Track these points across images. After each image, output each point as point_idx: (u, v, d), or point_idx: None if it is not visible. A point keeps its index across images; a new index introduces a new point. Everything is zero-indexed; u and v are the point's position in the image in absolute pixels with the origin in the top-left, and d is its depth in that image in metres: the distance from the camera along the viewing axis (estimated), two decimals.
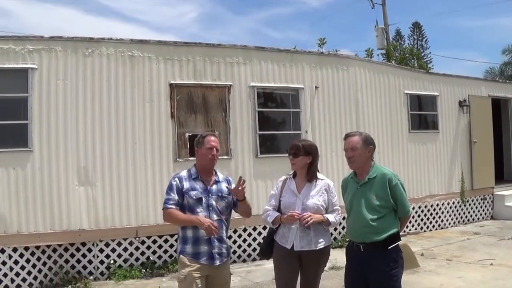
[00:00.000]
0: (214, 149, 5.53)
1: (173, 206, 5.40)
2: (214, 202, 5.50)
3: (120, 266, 10.20)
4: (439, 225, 15.04)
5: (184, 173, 5.59)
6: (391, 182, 5.26)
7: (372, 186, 5.31)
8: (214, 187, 5.58)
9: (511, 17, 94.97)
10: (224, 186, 5.68)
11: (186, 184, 5.46)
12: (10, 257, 9.32)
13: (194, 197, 5.41)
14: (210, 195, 5.50)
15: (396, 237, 5.24)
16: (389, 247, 5.17)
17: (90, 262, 10.03)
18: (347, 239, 5.87)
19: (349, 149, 5.40)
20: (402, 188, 5.33)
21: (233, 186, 5.78)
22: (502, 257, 10.75)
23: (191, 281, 5.25)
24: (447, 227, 15.17)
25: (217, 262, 5.43)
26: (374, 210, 5.21)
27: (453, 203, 15.47)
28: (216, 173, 5.73)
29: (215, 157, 5.56)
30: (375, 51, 23.31)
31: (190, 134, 10.77)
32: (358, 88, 13.32)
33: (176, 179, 5.51)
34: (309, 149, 5.78)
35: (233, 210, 5.80)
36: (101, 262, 10.11)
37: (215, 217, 5.44)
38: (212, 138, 5.62)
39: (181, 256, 5.42)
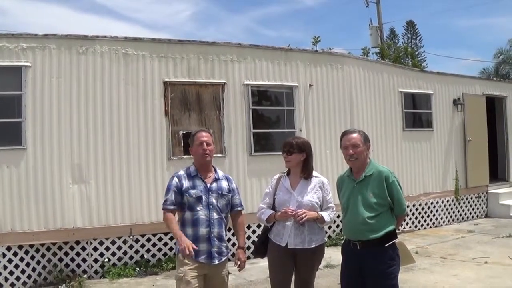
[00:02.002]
0: (205, 144, 5.51)
1: (171, 207, 5.40)
2: (214, 200, 5.48)
3: (114, 265, 10.18)
4: (433, 223, 15.06)
5: (182, 172, 5.57)
6: (388, 180, 5.24)
7: (369, 183, 5.29)
8: (214, 185, 5.56)
9: (505, 16, 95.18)
10: (224, 184, 5.66)
11: (186, 183, 5.44)
12: (4, 255, 9.28)
13: (194, 196, 5.39)
14: (210, 193, 5.49)
15: (392, 234, 5.24)
16: (385, 245, 5.16)
17: (84, 260, 9.99)
18: (342, 237, 5.86)
19: (350, 146, 5.34)
20: (398, 185, 5.31)
21: (234, 185, 5.82)
22: (496, 255, 10.78)
23: (188, 280, 5.22)
24: (441, 225, 15.18)
25: (216, 261, 5.42)
26: (371, 207, 5.20)
27: (448, 201, 15.49)
28: (215, 170, 5.72)
29: (207, 152, 5.53)
30: (370, 50, 23.35)
31: (184, 132, 10.74)
32: (353, 86, 13.31)
33: (175, 178, 5.50)
34: (303, 146, 5.77)
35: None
36: (95, 260, 10.08)
37: (215, 215, 5.45)
38: (203, 133, 5.60)
39: (179, 254, 5.36)
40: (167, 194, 5.46)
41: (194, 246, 5.18)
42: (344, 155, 5.47)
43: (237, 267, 5.73)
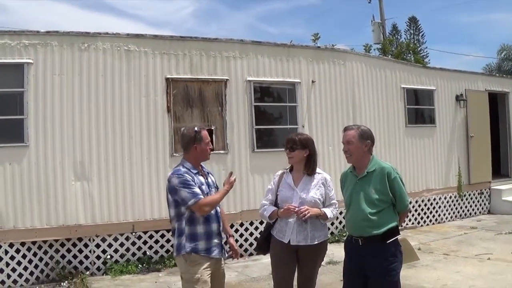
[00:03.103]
0: (210, 143, 5.57)
1: (201, 196, 5.21)
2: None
3: (116, 261, 10.18)
4: (436, 220, 15.05)
5: (183, 169, 5.41)
6: (390, 176, 5.24)
7: (371, 180, 5.29)
8: (209, 179, 5.59)
9: (508, 12, 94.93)
10: (212, 178, 5.72)
11: (195, 179, 5.37)
12: (6, 252, 9.30)
13: (205, 192, 5.35)
14: (210, 188, 5.50)
15: (395, 231, 5.23)
16: (387, 241, 5.15)
17: (86, 257, 10.00)
18: (345, 234, 5.87)
19: (345, 143, 5.40)
20: (401, 181, 5.31)
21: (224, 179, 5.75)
22: (499, 251, 10.77)
23: (205, 280, 5.21)
24: (444, 222, 15.17)
25: (226, 254, 5.52)
26: (373, 204, 5.20)
27: (450, 197, 15.47)
28: (202, 166, 5.68)
29: (211, 150, 5.62)
30: (372, 46, 23.31)
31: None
32: (355, 82, 13.28)
33: (186, 174, 5.29)
34: (305, 143, 5.76)
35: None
36: (98, 257, 10.08)
37: (218, 209, 5.50)
38: (206, 132, 5.60)
39: (193, 254, 5.24)
40: (191, 187, 5.21)
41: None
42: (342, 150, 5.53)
43: (233, 255, 5.74)
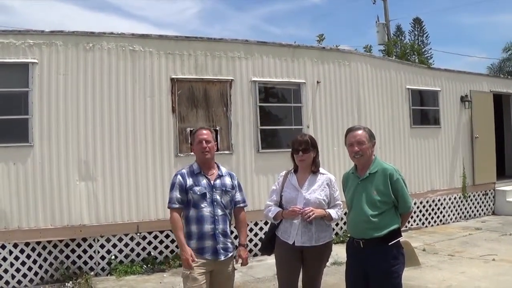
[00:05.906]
0: (204, 141, 5.50)
1: (176, 205, 5.41)
2: (218, 197, 5.50)
3: (121, 262, 10.18)
4: (440, 221, 15.02)
5: (185, 170, 5.58)
6: (392, 177, 5.20)
7: (373, 181, 5.26)
8: (218, 181, 5.56)
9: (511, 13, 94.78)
10: (227, 180, 5.66)
11: (189, 181, 5.44)
12: (10, 253, 9.30)
13: (198, 193, 5.40)
14: (214, 190, 5.49)
15: (396, 233, 5.19)
16: (389, 244, 5.13)
17: (91, 257, 10.00)
18: (349, 235, 5.83)
19: (355, 143, 5.30)
20: (403, 183, 5.27)
21: (237, 181, 5.81)
22: (504, 252, 10.74)
23: (195, 277, 5.24)
24: (448, 223, 15.15)
25: (222, 257, 5.44)
26: (375, 205, 5.16)
27: (455, 198, 15.45)
28: (218, 167, 5.71)
29: (206, 149, 5.51)
30: (376, 47, 23.35)
31: (191, 129, 10.69)
32: (360, 83, 13.27)
33: (179, 176, 5.50)
34: (314, 143, 5.79)
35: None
36: (102, 257, 10.08)
37: (219, 212, 5.47)
38: (203, 131, 5.61)
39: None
40: (171, 192, 5.46)
41: (194, 258, 5.28)
42: (349, 152, 5.44)
43: (240, 264, 5.74)
